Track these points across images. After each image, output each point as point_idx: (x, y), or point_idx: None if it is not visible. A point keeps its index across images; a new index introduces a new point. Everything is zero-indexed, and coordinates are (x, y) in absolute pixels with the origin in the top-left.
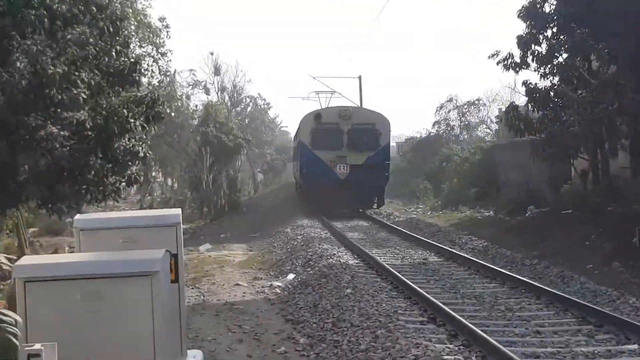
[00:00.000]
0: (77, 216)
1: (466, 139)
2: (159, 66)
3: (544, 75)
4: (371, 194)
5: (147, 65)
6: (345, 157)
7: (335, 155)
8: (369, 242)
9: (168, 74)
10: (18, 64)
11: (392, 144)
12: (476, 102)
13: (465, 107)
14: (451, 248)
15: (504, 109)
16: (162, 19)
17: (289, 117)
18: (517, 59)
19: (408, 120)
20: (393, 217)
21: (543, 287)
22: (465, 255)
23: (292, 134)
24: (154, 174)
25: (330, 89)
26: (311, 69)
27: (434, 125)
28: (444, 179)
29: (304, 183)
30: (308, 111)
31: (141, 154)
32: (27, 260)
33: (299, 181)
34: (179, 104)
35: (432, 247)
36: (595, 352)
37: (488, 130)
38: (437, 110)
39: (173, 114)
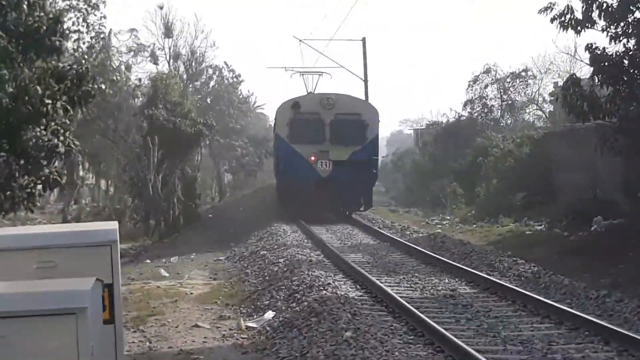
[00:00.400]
0: None
1: (509, 124)
2: (88, 25)
3: (615, 37)
4: (357, 195)
5: (73, 23)
6: (327, 152)
7: (316, 150)
8: (376, 267)
9: (102, 36)
10: None
11: (410, 132)
12: (523, 73)
13: (508, 80)
14: (489, 275)
15: (560, 84)
16: None
17: (268, 97)
18: (579, 15)
19: (430, 98)
20: (410, 233)
21: (614, 328)
22: (509, 285)
23: (272, 119)
24: (81, 174)
25: (320, 66)
26: (297, 31)
27: (465, 105)
28: (480, 179)
29: (281, 182)
30: (291, 91)
31: (61, 148)
32: None
33: (277, 181)
34: (116, 77)
35: (463, 273)
36: None
37: (539, 113)
38: (469, 85)
39: (108, 92)
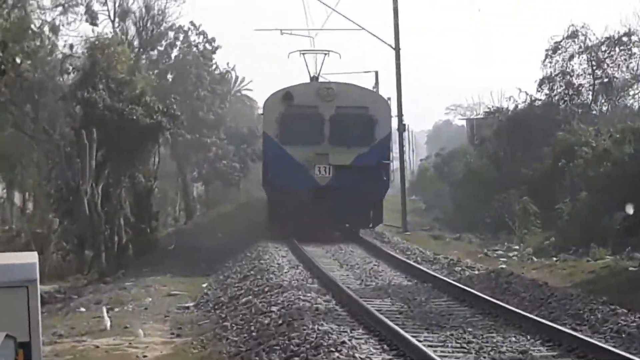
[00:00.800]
0: None
1: (606, 111)
2: None
3: None
4: (364, 207)
5: None
6: (327, 155)
7: (312, 153)
8: (412, 318)
9: None
10: None
11: (461, 123)
12: (625, 38)
13: (604, 48)
14: (575, 330)
15: None
16: None
17: (257, 75)
18: None
19: (490, 76)
20: (461, 269)
21: None
22: (604, 346)
23: (261, 109)
24: None
25: (332, 27)
26: None
27: (541, 85)
28: (562, 192)
29: (270, 192)
30: (289, 72)
31: None
32: None
33: (266, 192)
34: (37, 43)
35: (537, 328)
36: None
37: None
38: (547, 56)
39: (25, 65)
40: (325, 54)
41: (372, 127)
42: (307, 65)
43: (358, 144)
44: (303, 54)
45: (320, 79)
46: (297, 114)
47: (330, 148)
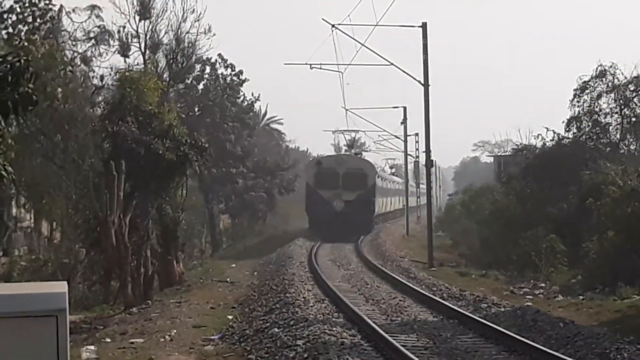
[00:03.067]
0: None
1: (634, 151)
2: (29, 1)
3: None
4: (361, 223)
5: None
6: (340, 195)
7: (332, 193)
8: (437, 354)
9: (49, 15)
10: None
11: (489, 159)
12: None
13: (632, 87)
14: None
15: None
16: None
17: (286, 109)
18: None
19: (518, 113)
20: (487, 306)
21: None
22: None
23: (290, 138)
24: (14, 212)
25: (361, 63)
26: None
27: (569, 124)
28: (589, 231)
29: (310, 215)
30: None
31: None
32: None
33: (308, 215)
34: (68, 74)
35: None
36: None
37: None
38: (575, 95)
39: (57, 95)
40: (356, 133)
41: (365, 180)
42: (336, 140)
43: (357, 189)
44: (335, 132)
45: (351, 123)
46: (324, 172)
47: (342, 191)
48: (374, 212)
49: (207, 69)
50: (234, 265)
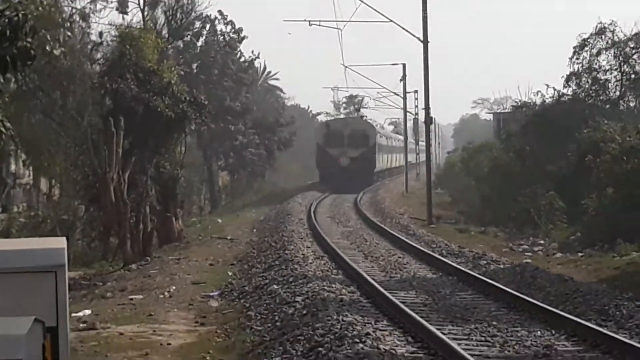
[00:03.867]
0: None
1: (633, 107)
2: None
3: None
4: (363, 177)
5: None
6: (346, 152)
7: (339, 151)
8: (436, 311)
9: None
10: None
11: (488, 117)
12: None
13: (631, 44)
14: (600, 326)
15: None
16: None
17: (285, 66)
18: None
19: (518, 70)
20: (486, 263)
21: None
22: (628, 341)
23: (288, 96)
24: (13, 169)
25: (362, 20)
26: None
27: (567, 80)
28: (588, 188)
29: (320, 170)
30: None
31: None
32: None
33: (319, 170)
34: (66, 32)
35: (562, 322)
36: None
37: None
38: (574, 52)
39: (55, 52)
40: (361, 99)
41: (367, 140)
42: (338, 100)
43: (360, 147)
44: (333, 89)
45: (352, 85)
46: (332, 133)
47: (347, 149)
48: (375, 167)
49: (207, 26)
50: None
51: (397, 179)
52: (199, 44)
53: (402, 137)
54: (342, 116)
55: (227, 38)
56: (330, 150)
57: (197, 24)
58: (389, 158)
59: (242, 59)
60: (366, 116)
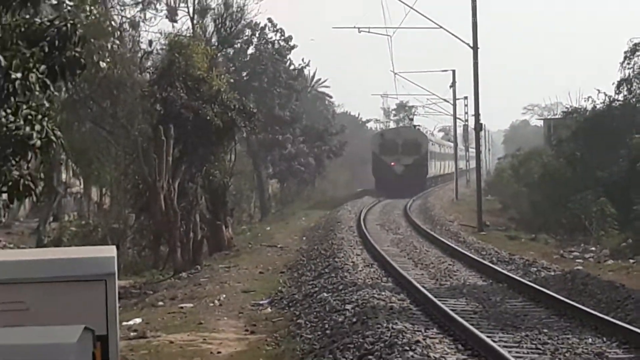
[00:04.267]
0: None
1: None
2: None
3: None
4: (416, 183)
5: None
6: (400, 160)
7: (394, 158)
8: (486, 318)
9: None
10: None
11: (539, 123)
12: None
13: None
14: None
15: None
16: None
17: (329, 69)
18: None
19: (569, 76)
20: (536, 270)
21: None
22: None
23: (338, 103)
24: (64, 178)
25: (411, 26)
26: None
27: (619, 86)
28: (638, 193)
29: (376, 177)
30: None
31: (36, 140)
32: None
33: (375, 177)
34: (116, 41)
35: (613, 330)
36: None
37: None
38: (625, 57)
39: (104, 63)
40: (415, 108)
41: (419, 148)
42: (388, 107)
43: (413, 155)
44: (383, 96)
45: (403, 92)
46: (386, 142)
47: (402, 157)
48: (427, 174)
49: (257, 34)
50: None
51: (447, 185)
52: (249, 51)
53: (452, 144)
54: (392, 123)
55: (277, 46)
56: (385, 158)
57: (247, 31)
58: (441, 165)
59: (292, 67)
60: (419, 125)
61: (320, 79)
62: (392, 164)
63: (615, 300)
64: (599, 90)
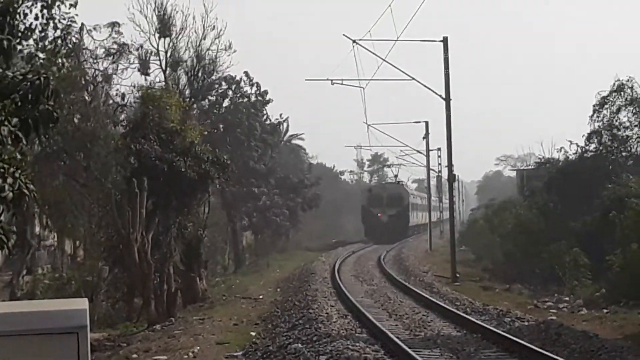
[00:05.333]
0: None
1: None
2: (51, 15)
3: None
4: (399, 231)
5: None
6: (385, 211)
7: (380, 209)
8: None
9: (70, 31)
10: None
11: (512, 174)
12: None
13: None
14: None
15: None
16: None
17: (303, 120)
18: None
19: (540, 127)
20: (510, 320)
21: None
22: None
23: (312, 155)
24: (38, 231)
25: (383, 78)
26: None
27: (589, 138)
28: (612, 244)
29: (365, 225)
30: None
31: (8, 193)
32: None
33: (364, 225)
34: (88, 93)
35: None
36: None
37: None
38: (594, 111)
39: (77, 116)
40: (399, 167)
41: (402, 200)
42: (361, 158)
43: (396, 207)
44: (356, 147)
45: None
46: (373, 196)
47: (386, 208)
48: (409, 222)
49: (233, 87)
50: (278, 270)
51: (421, 236)
52: (225, 104)
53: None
54: (366, 174)
55: (253, 99)
56: (373, 210)
57: (223, 84)
58: (422, 215)
59: (268, 121)
60: (402, 181)
61: (296, 133)
62: (379, 214)
63: (589, 350)
64: (570, 142)
